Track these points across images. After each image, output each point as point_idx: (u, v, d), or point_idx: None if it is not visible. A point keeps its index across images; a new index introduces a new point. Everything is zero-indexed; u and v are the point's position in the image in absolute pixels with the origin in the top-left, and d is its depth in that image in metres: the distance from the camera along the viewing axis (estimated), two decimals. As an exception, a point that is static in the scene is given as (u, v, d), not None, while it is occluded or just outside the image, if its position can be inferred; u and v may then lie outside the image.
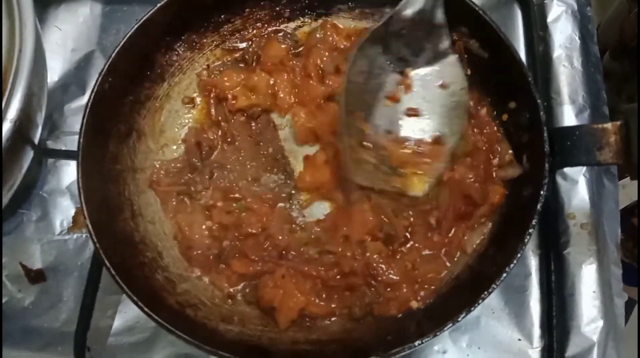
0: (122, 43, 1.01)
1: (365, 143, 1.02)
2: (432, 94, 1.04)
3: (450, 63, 1.03)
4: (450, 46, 1.02)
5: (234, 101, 1.13)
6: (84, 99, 1.22)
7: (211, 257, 1.05)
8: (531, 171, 0.98)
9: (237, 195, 1.08)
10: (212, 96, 1.15)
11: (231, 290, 1.03)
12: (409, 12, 0.97)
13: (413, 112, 1.04)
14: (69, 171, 1.19)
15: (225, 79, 1.14)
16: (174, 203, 1.09)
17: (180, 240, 1.06)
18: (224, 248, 1.04)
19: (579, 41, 1.25)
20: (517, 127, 1.02)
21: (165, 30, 1.09)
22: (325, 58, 1.13)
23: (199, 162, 1.10)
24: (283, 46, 1.16)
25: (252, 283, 1.02)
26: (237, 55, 1.18)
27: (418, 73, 1.04)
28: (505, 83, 1.03)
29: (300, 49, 1.17)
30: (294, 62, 1.15)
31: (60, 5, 1.33)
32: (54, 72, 1.25)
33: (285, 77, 1.14)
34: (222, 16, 1.15)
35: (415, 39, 1.01)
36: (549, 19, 1.27)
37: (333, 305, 1.00)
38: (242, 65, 1.17)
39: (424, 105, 1.04)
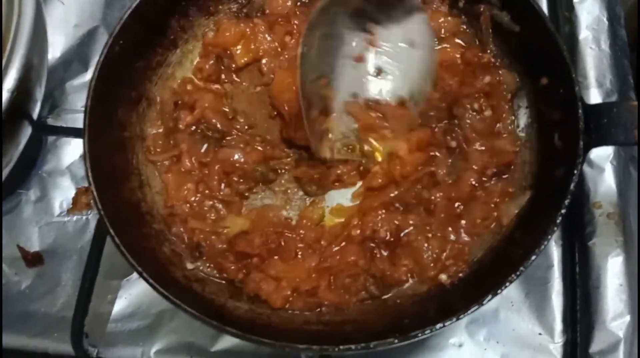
0: (134, 5, 0.98)
1: (330, 110, 0.99)
2: (398, 52, 1.01)
3: (419, 20, 1.00)
4: (419, 2, 0.99)
5: (235, 58, 1.08)
6: (86, 76, 1.20)
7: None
8: (564, 149, 0.94)
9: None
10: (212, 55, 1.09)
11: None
12: None
13: (378, 71, 1.01)
14: (70, 151, 1.16)
15: (227, 33, 1.08)
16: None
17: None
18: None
19: (606, 23, 1.22)
20: (549, 105, 0.98)
21: (180, -7, 1.07)
22: None
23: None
24: None
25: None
26: (235, 9, 1.13)
27: (385, 31, 1.00)
28: (537, 58, 1.00)
29: None
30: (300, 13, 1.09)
31: (62, -22, 1.30)
32: (56, 48, 1.23)
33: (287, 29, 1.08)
34: (241, -21, 1.12)
35: None
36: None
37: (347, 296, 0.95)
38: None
39: (390, 64, 1.01)
